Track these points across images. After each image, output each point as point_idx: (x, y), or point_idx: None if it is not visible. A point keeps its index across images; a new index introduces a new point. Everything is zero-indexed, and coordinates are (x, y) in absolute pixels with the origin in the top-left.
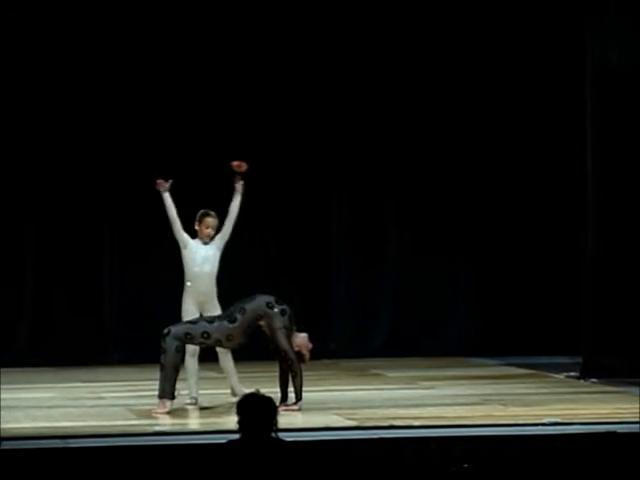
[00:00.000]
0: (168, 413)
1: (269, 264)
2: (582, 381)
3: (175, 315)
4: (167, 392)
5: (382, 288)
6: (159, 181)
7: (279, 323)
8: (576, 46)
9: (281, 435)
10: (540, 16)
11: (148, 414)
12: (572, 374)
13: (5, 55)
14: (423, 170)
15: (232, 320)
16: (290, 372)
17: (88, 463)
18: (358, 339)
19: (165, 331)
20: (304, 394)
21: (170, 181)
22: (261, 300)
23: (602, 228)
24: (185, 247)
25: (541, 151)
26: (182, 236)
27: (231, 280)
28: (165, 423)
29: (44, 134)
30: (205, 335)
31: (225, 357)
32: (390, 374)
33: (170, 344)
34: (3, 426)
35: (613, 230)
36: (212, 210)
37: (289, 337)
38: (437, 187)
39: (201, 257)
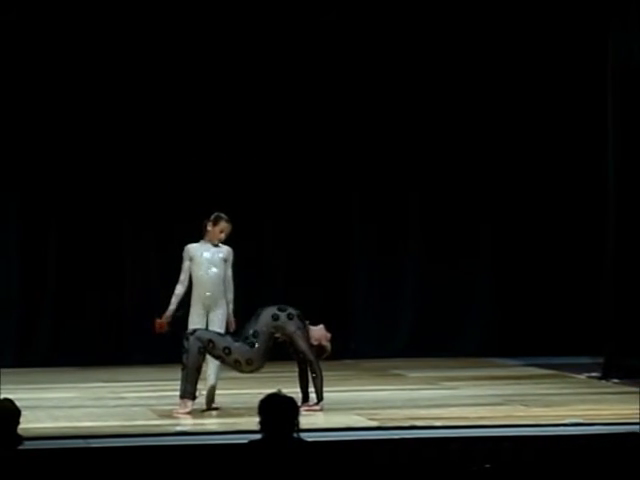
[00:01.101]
0: (189, 413)
1: (290, 265)
2: (604, 381)
3: None
4: (188, 392)
5: (403, 289)
6: (158, 322)
7: (292, 327)
8: (598, 44)
9: (302, 435)
10: (563, 15)
11: (169, 414)
12: (594, 374)
13: (23, 54)
14: (444, 170)
15: (251, 345)
16: (310, 372)
17: (110, 463)
18: (379, 339)
19: (189, 331)
20: (325, 394)
21: (167, 320)
22: (266, 315)
23: (624, 227)
24: (191, 259)
25: (562, 151)
26: (187, 263)
27: (252, 282)
28: (187, 423)
29: (66, 133)
30: (226, 351)
31: (213, 364)
32: (411, 374)
33: (193, 344)
34: (25, 426)
35: (635, 230)
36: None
37: (305, 337)
38: (458, 187)
39: (206, 259)
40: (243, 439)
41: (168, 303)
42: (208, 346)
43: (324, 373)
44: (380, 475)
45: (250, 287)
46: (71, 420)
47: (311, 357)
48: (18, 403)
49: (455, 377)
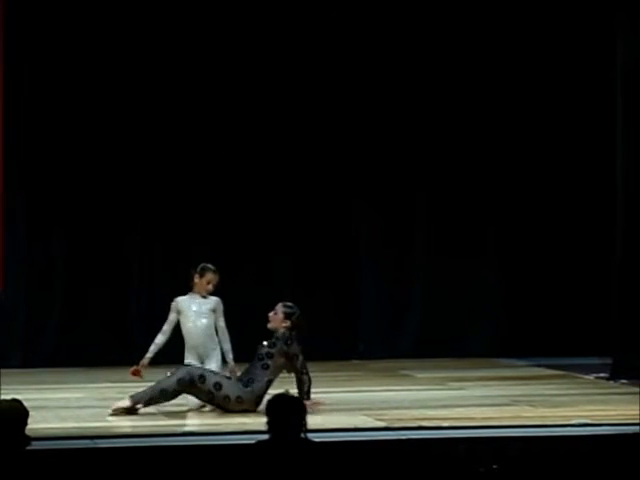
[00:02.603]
0: (122, 410)
1: (297, 266)
2: (612, 382)
3: None
4: (138, 399)
5: (411, 289)
6: (134, 369)
7: (296, 348)
8: (605, 43)
9: (310, 436)
10: (570, 13)
11: (177, 414)
12: (602, 375)
13: (37, 55)
14: (452, 170)
15: (245, 385)
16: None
17: (117, 463)
18: (387, 340)
19: (185, 362)
20: (333, 395)
21: (143, 367)
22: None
23: (632, 228)
24: (179, 312)
25: (570, 150)
26: (173, 315)
27: (260, 283)
28: (194, 424)
29: (74, 134)
30: (217, 386)
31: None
32: (419, 375)
33: (180, 373)
34: (32, 426)
35: None
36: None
37: (295, 355)
38: (466, 187)
39: (194, 312)
40: (251, 439)
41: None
42: (198, 381)
43: (331, 374)
44: (387, 476)
45: (257, 289)
46: (78, 420)
47: (303, 369)
48: (25, 403)
49: (463, 378)
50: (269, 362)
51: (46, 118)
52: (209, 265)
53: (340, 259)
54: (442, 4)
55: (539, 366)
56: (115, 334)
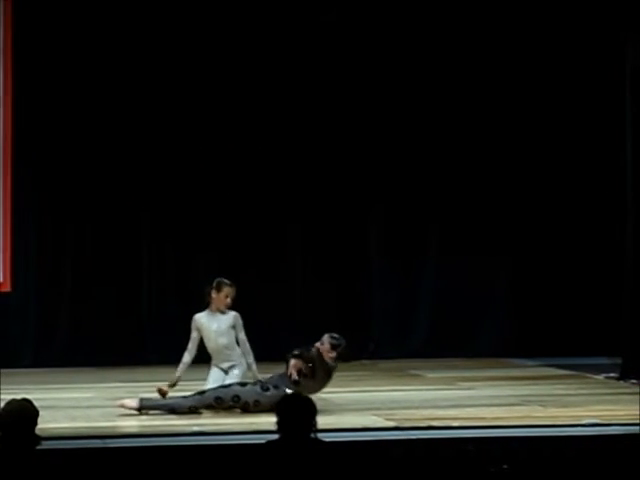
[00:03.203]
0: (130, 407)
1: (308, 267)
2: (622, 382)
3: None
4: (147, 407)
5: (421, 289)
6: (162, 389)
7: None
8: (614, 45)
9: (320, 435)
10: (579, 15)
11: (187, 414)
12: (612, 375)
13: (42, 56)
14: (461, 169)
15: (266, 389)
16: None
17: (127, 463)
18: (397, 340)
19: (201, 390)
20: (342, 394)
21: (170, 387)
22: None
23: None
24: (199, 330)
25: (580, 151)
26: (195, 333)
27: (269, 282)
28: (204, 423)
29: (85, 135)
30: (235, 399)
31: None
32: (429, 375)
33: (193, 401)
34: (43, 426)
35: None
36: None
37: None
38: (476, 187)
39: (214, 332)
40: (261, 439)
41: (188, 305)
42: (217, 404)
43: (341, 374)
44: (397, 475)
45: (267, 287)
46: (88, 420)
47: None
48: (35, 403)
49: (472, 377)
50: (302, 382)
51: (57, 121)
52: (224, 279)
53: (350, 259)
54: (447, 11)
55: (549, 366)
56: (125, 334)
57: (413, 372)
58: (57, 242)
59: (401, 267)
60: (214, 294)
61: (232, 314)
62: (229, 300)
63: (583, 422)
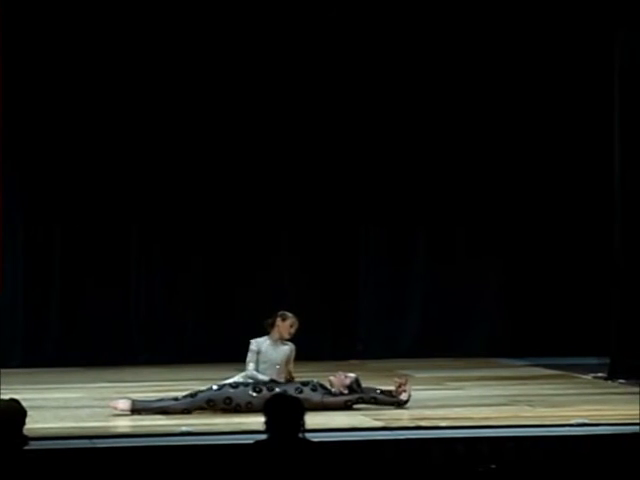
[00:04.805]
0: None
1: (296, 265)
2: (610, 382)
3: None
4: (139, 408)
5: (410, 289)
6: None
7: (317, 397)
8: (604, 44)
9: (308, 435)
10: (569, 15)
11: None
12: (600, 375)
13: (36, 55)
14: (452, 170)
15: (258, 391)
16: (366, 402)
17: (115, 463)
18: (386, 340)
19: (193, 392)
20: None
21: None
22: (290, 387)
23: (630, 229)
24: (259, 353)
25: (569, 152)
26: (255, 356)
27: (262, 282)
28: (193, 423)
29: (74, 136)
30: (227, 401)
31: None
32: (417, 375)
33: (184, 403)
34: (31, 426)
35: None
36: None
37: (332, 395)
38: (466, 188)
39: (270, 360)
40: (249, 439)
41: (176, 305)
42: (208, 406)
43: (330, 374)
44: (385, 475)
45: (260, 288)
46: (77, 420)
47: (353, 399)
48: (24, 403)
49: (461, 377)
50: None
51: (45, 122)
52: (287, 312)
53: (339, 260)
54: (442, 14)
55: (537, 366)
56: (114, 335)
57: (402, 372)
58: (46, 243)
59: (390, 267)
60: (278, 322)
61: (290, 346)
62: (293, 330)
63: (571, 422)
